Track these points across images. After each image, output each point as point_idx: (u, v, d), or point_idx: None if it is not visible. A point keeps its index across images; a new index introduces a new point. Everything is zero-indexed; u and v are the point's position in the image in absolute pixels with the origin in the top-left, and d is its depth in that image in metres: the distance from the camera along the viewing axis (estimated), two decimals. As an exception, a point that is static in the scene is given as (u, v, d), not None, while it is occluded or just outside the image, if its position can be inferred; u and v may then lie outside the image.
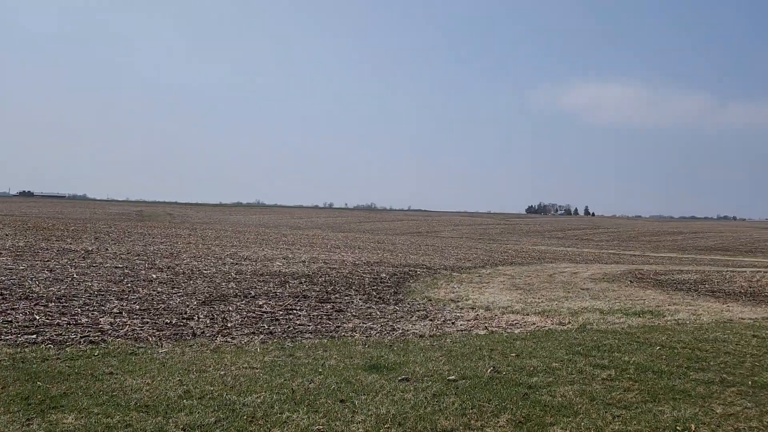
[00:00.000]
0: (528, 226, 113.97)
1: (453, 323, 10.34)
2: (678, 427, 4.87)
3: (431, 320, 10.58)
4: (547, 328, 9.78)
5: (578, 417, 5.07)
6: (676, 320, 10.96)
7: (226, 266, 17.93)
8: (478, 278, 20.27)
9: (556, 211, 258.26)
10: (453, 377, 6.21)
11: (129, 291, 11.88)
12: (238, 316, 9.89)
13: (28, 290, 11.16)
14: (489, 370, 6.50)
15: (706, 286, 20.92)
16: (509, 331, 9.53)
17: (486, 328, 9.79)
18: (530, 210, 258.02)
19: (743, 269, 32.26)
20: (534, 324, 10.35)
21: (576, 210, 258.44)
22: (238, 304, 11.20)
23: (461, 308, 12.43)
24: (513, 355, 7.39)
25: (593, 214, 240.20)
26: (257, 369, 6.35)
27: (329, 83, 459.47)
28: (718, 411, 5.36)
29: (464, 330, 9.57)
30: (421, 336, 8.78)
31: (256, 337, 8.30)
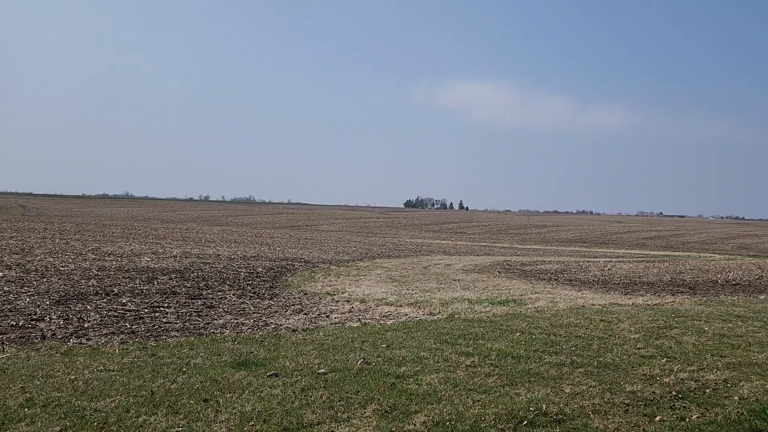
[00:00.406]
0: (406, 220, 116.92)
1: (327, 316, 10.33)
2: (531, 408, 5.19)
3: (306, 314, 10.51)
4: (418, 319, 10.06)
5: (441, 403, 5.25)
6: (536, 308, 11.70)
7: (87, 262, 16.69)
8: (356, 271, 20.47)
9: (433, 205, 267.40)
10: (323, 370, 6.20)
11: (-31, 291, 10.69)
12: (98, 316, 9.23)
13: None
14: (359, 362, 6.56)
15: (565, 275, 22.60)
16: (382, 322, 9.70)
17: (359, 320, 9.88)
18: (408, 204, 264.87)
19: (597, 259, 35.23)
20: (406, 315, 10.61)
21: (451, 204, 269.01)
22: (98, 302, 10.45)
23: (337, 301, 12.46)
24: (384, 346, 7.51)
25: (467, 209, 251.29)
26: (114, 371, 5.95)
27: (206, 70, 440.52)
28: (566, 391, 5.78)
29: (338, 323, 9.60)
30: (294, 330, 8.68)
31: (115, 337, 7.78)
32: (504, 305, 12.06)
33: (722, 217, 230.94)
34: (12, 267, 14.44)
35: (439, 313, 10.78)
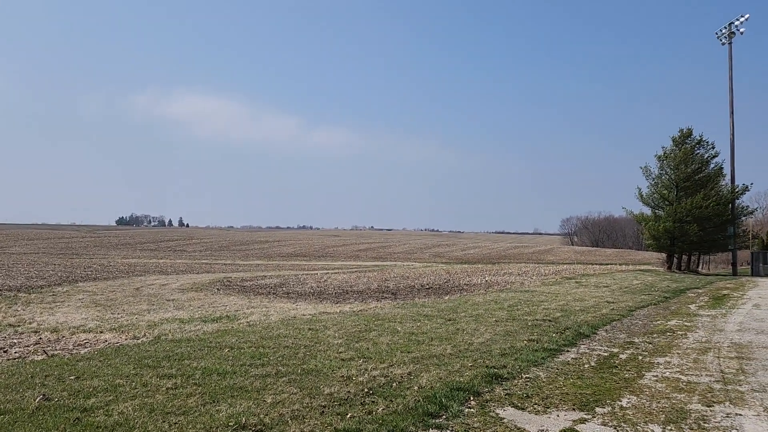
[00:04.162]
0: (118, 239, 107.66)
1: (5, 352, 8.88)
2: (231, 423, 5.12)
3: (-28, 352, 8.87)
4: (119, 344, 9.23)
5: (133, 432, 4.87)
6: (248, 322, 11.71)
7: None
8: (52, 297, 18.08)
9: (150, 222, 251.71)
10: (-12, 415, 5.27)
11: None
12: None
13: None
14: (38, 399, 5.73)
15: (284, 288, 23.17)
16: (75, 352, 8.67)
17: (46, 352, 8.68)
18: (122, 222, 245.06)
19: (315, 272, 36.96)
20: (106, 341, 9.68)
21: (170, 221, 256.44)
22: None
23: (20, 333, 10.82)
24: (72, 377, 6.70)
25: (188, 225, 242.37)
26: None
27: None
28: (268, 401, 5.86)
29: (18, 358, 8.30)
30: (-47, 372, 7.22)
31: None
32: (217, 322, 11.81)
33: (421, 230, 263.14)
34: None
35: (144, 335, 10.07)
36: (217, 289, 22.35)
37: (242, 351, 8.39)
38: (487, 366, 7.70)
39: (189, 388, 6.30)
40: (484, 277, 28.48)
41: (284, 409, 5.60)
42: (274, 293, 20.95)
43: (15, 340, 10.05)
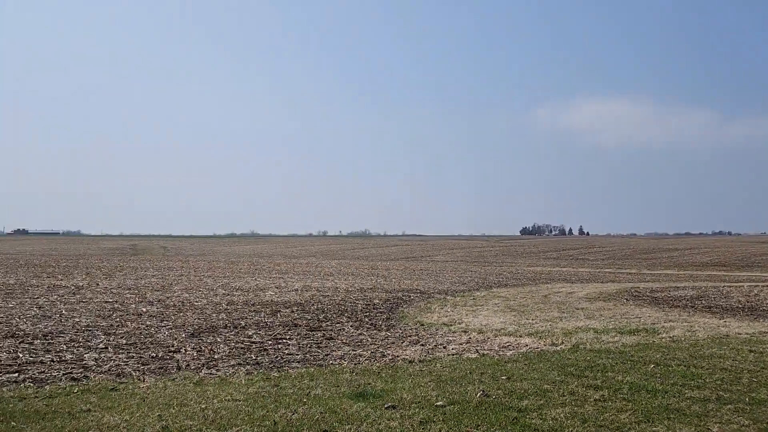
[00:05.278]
0: (523, 248, 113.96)
1: (444, 347, 10.17)
2: (672, 448, 4.72)
3: (422, 345, 10.41)
4: (539, 350, 9.62)
5: (569, 440, 4.91)
6: (671, 337, 10.80)
7: (218, 297, 17.74)
8: (472, 301, 20.12)
9: (551, 231, 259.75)
10: (441, 403, 6.05)
11: (117, 325, 11.71)
12: (226, 348, 9.70)
13: (15, 328, 11.03)
14: (478, 395, 6.34)
15: (703, 302, 20.81)
16: (501, 353, 9.38)
17: (477, 351, 9.62)
18: (525, 231, 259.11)
19: (740, 284, 32.16)
20: (527, 346, 10.19)
21: (570, 230, 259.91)
22: (227, 335, 11.01)
23: (453, 332, 12.26)
24: (504, 378, 7.23)
25: (587, 234, 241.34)
26: (240, 401, 6.17)
27: (315, 110, 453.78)
28: (714, 429, 5.20)
29: (455, 354, 9.41)
30: (410, 361, 8.61)
31: (241, 368, 8.11)
32: (634, 335, 11.25)
33: None
34: (154, 303, 15.67)
35: (562, 343, 10.24)
36: (626, 299, 21.44)
37: (670, 369, 7.75)
38: None
39: (618, 402, 6.09)
40: None
41: (735, 442, 4.89)
42: (692, 306, 18.98)
43: (450, 338, 11.45)
